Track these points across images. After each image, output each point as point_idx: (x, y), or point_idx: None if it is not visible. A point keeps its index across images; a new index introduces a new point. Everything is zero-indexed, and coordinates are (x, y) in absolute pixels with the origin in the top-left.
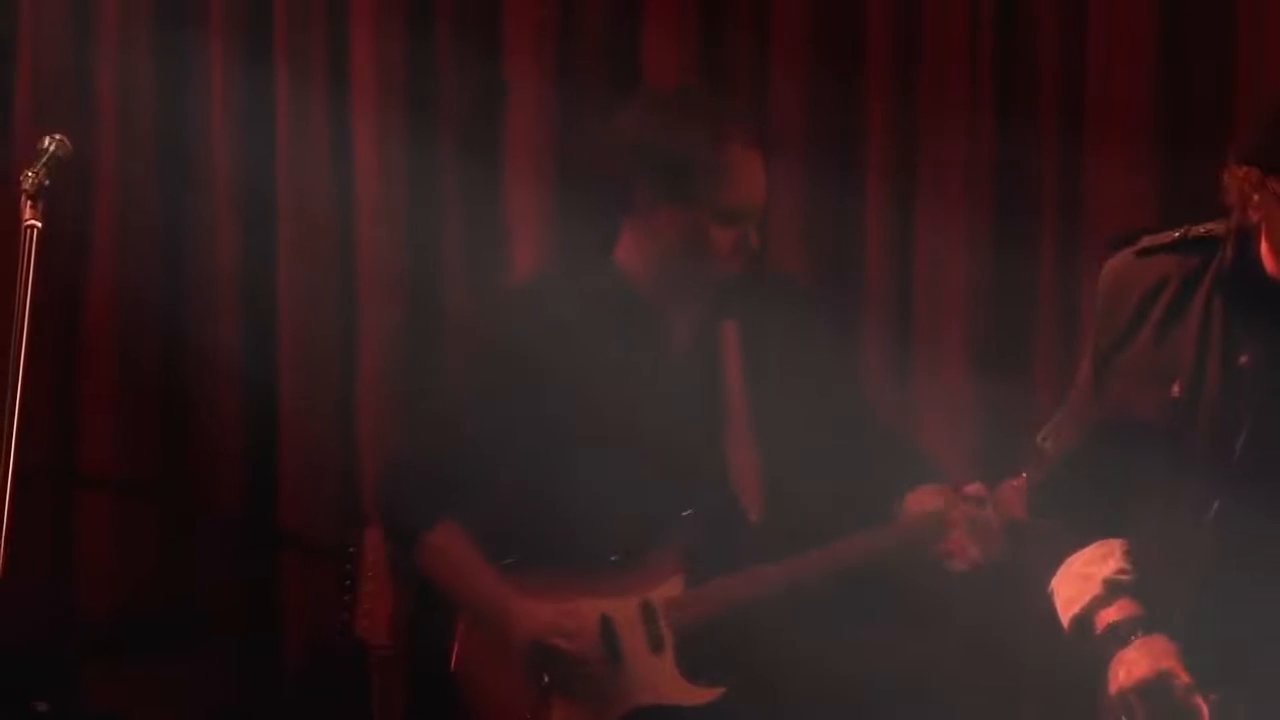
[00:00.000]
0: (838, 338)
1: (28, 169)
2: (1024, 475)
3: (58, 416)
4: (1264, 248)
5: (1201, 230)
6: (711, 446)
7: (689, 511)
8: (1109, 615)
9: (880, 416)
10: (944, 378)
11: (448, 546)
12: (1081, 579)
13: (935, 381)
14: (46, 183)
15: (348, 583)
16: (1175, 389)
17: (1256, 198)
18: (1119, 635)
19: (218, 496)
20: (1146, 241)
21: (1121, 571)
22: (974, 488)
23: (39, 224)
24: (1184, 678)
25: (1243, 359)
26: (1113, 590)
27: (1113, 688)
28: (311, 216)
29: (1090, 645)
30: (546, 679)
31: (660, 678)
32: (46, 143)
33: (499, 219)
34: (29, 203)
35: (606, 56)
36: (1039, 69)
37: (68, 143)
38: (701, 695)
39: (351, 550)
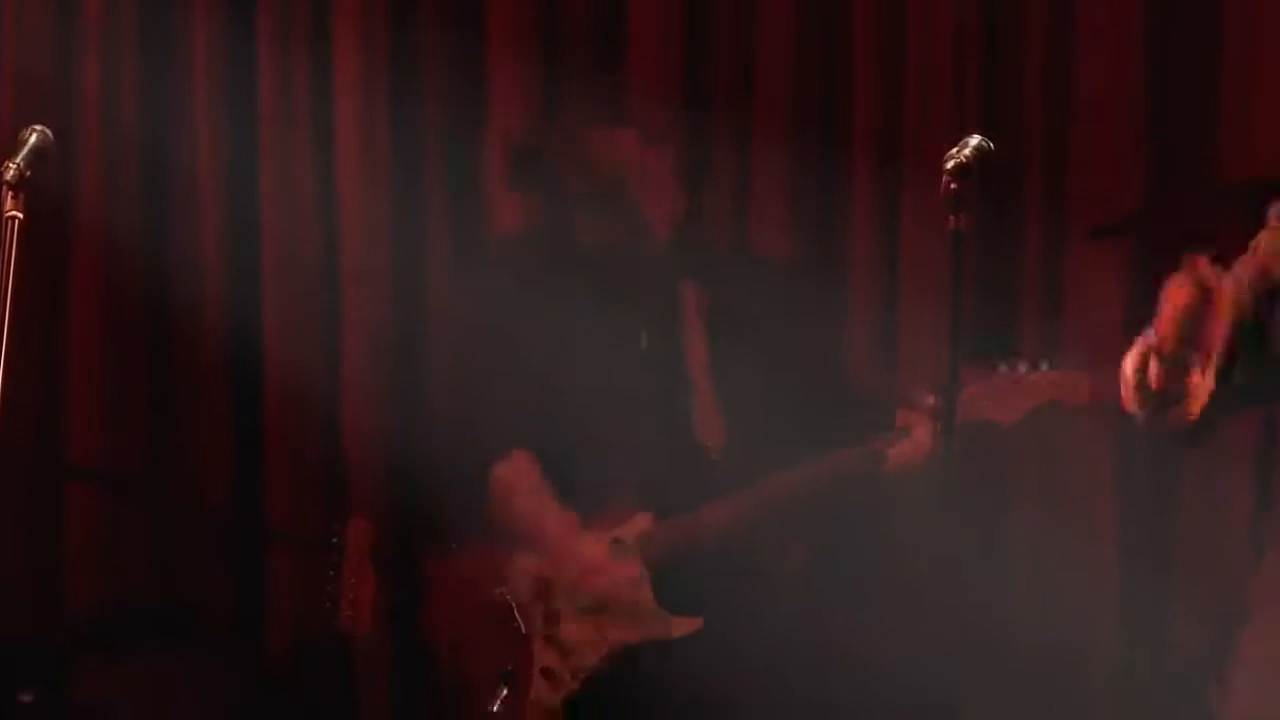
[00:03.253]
0: (815, 309)
1: (9, 160)
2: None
3: (44, 409)
4: None
5: None
6: (672, 399)
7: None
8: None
9: (852, 379)
10: (927, 361)
11: (520, 478)
12: None
13: (919, 364)
14: (28, 174)
15: (332, 573)
16: None
17: None
18: None
19: (204, 489)
20: None
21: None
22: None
23: (20, 215)
24: None
25: None
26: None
27: None
28: (295, 210)
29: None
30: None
31: (638, 612)
32: (28, 134)
33: (483, 211)
34: (10, 194)
35: (591, 46)
36: (1024, 57)
37: (49, 134)
38: (680, 626)
39: (335, 542)
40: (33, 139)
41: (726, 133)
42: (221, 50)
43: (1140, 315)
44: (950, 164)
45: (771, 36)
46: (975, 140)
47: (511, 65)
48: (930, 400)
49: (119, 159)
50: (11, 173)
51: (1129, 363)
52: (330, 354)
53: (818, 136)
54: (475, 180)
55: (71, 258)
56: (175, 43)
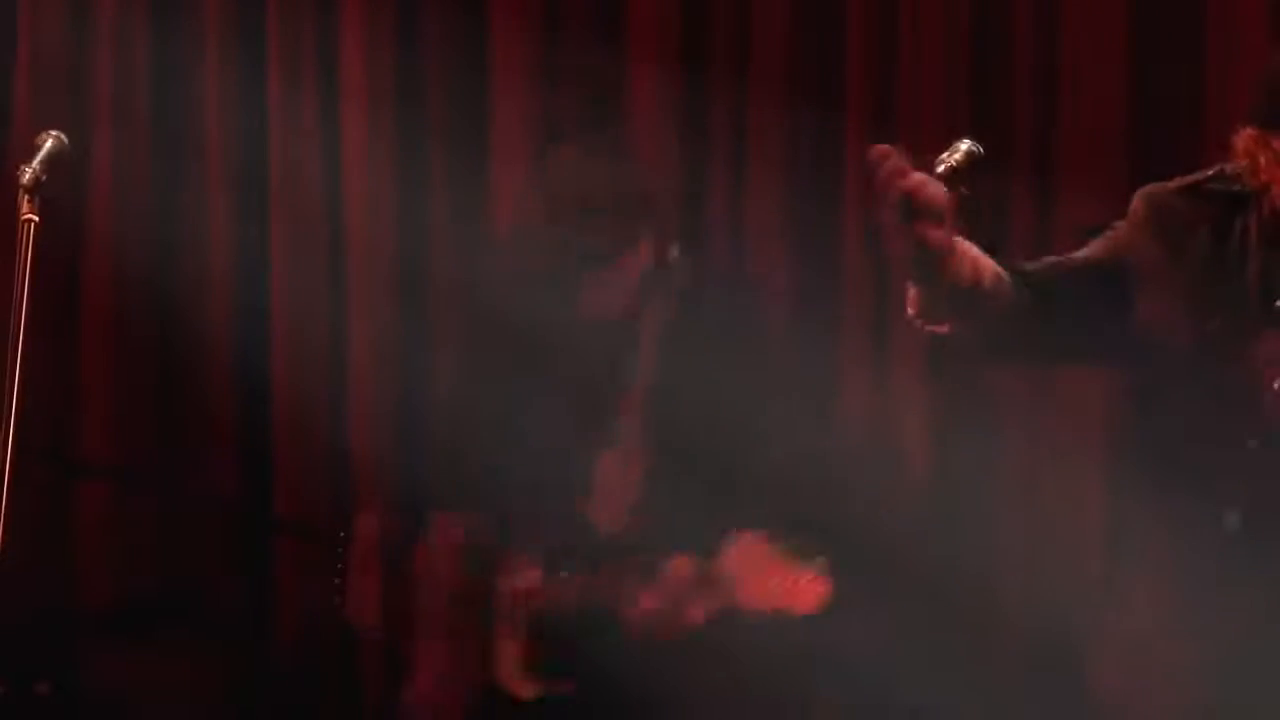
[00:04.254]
0: (799, 335)
1: (25, 164)
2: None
3: (56, 404)
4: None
5: (1228, 170)
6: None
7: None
8: None
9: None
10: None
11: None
12: None
13: (910, 382)
14: (44, 178)
15: (339, 567)
16: (1214, 324)
17: (1263, 160)
18: None
19: (213, 482)
20: (1177, 183)
21: None
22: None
23: (36, 218)
24: None
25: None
26: None
27: None
28: (303, 207)
29: None
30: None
31: (507, 663)
32: (44, 139)
33: (487, 209)
34: (26, 197)
35: (592, 44)
36: (1013, 61)
37: (65, 139)
38: (540, 690)
39: (343, 535)
40: (49, 144)
41: (724, 116)
42: (231, 54)
43: None
44: (940, 168)
45: (768, 33)
46: (965, 145)
47: (514, 52)
48: (692, 569)
49: (131, 160)
50: (28, 177)
51: None
52: (337, 348)
53: (814, 131)
54: (480, 175)
55: (83, 255)
56: (186, 46)
